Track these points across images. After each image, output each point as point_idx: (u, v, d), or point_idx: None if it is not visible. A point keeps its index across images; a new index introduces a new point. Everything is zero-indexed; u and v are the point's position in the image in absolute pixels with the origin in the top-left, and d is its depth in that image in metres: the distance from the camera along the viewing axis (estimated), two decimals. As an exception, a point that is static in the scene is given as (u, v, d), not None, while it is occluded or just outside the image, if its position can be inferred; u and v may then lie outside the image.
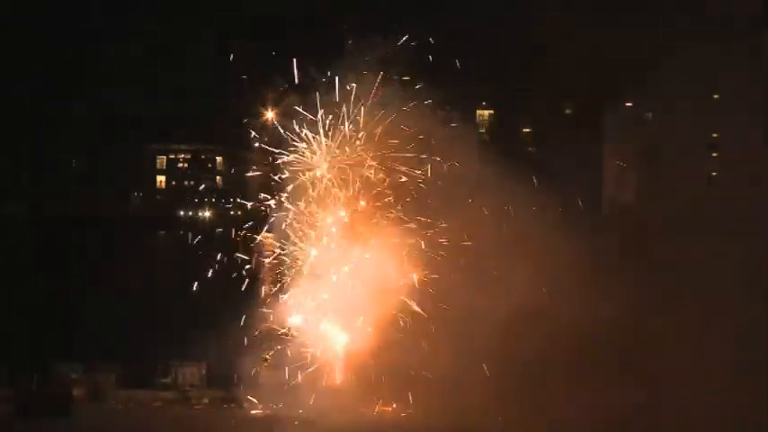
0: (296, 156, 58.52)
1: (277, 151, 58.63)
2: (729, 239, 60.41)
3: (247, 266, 59.28)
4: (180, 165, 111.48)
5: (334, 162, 58.18)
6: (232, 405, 59.47)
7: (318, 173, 58.43)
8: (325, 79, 58.32)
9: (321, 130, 58.14)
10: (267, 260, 59.35)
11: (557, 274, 57.39)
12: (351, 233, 58.84)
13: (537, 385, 55.33)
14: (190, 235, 63.87)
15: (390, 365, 57.73)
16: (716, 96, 71.16)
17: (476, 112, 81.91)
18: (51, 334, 75.32)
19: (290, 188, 58.77)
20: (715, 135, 72.81)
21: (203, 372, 61.86)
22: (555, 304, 56.73)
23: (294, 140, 58.50)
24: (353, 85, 58.33)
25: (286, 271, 58.96)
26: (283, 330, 58.85)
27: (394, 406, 58.33)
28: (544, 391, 55.14)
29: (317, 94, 58.05)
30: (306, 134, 58.23)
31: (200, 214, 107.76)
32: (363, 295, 58.23)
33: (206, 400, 60.48)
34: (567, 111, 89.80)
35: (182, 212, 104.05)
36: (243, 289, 58.98)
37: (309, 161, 58.42)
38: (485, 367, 55.66)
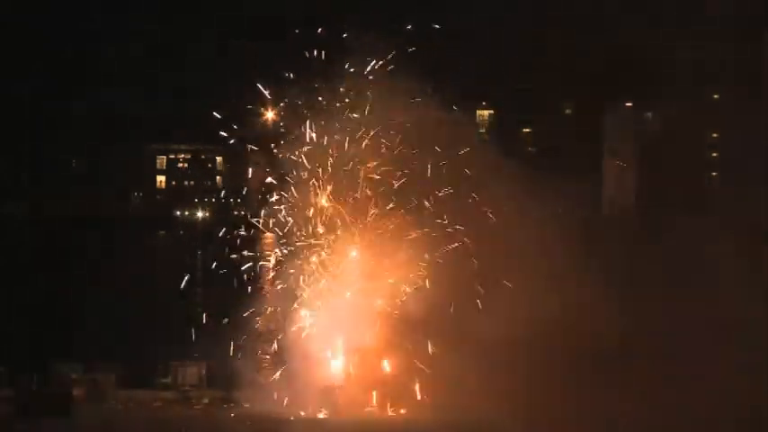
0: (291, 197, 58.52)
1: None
2: (729, 240, 60.39)
3: (248, 266, 59.23)
4: (180, 165, 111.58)
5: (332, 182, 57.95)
6: (232, 405, 59.44)
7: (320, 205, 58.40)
8: (325, 80, 58.27)
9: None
10: (268, 260, 59.33)
11: (557, 275, 57.37)
12: (351, 237, 58.89)
13: (542, 387, 55.30)
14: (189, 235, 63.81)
15: (393, 365, 57.77)
16: (716, 96, 71.27)
17: (476, 112, 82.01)
18: (51, 334, 75.38)
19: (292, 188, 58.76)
20: (715, 135, 72.92)
21: (203, 372, 61.79)
22: (559, 308, 56.71)
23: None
24: (353, 86, 58.28)
25: (287, 271, 58.92)
26: (283, 330, 58.83)
27: (401, 410, 58.40)
28: (549, 393, 55.13)
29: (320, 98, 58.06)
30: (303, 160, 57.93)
31: (199, 214, 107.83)
32: (369, 297, 58.26)
33: (206, 400, 60.43)
34: (567, 111, 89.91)
35: (178, 213, 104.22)
36: (242, 289, 58.96)
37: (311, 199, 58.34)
38: (487, 369, 55.65)
